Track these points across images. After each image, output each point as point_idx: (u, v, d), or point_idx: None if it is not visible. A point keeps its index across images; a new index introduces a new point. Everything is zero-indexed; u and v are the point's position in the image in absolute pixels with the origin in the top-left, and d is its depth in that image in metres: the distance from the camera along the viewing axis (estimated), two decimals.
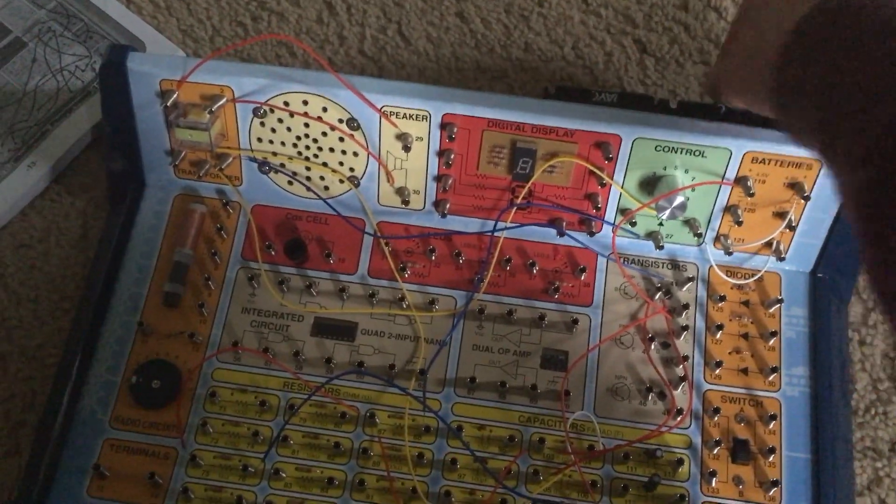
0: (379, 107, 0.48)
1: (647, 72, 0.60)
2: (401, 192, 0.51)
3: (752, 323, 0.49)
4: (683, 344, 0.49)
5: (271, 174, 0.52)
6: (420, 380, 0.48)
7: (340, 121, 0.49)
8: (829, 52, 0.33)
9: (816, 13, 0.35)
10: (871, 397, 0.50)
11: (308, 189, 0.52)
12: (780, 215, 0.48)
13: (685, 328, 0.49)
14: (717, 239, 0.50)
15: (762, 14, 0.40)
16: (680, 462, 0.46)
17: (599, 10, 0.61)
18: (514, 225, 0.51)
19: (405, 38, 0.60)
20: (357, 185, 0.51)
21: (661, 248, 0.50)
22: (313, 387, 0.48)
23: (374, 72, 0.59)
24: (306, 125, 0.49)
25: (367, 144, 0.49)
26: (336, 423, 0.47)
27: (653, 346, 0.49)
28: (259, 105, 0.48)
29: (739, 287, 0.50)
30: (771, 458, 0.46)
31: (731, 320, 0.49)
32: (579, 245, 0.51)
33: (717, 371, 0.48)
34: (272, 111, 0.49)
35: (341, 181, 0.51)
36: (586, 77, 0.59)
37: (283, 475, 0.46)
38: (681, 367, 0.48)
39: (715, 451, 0.46)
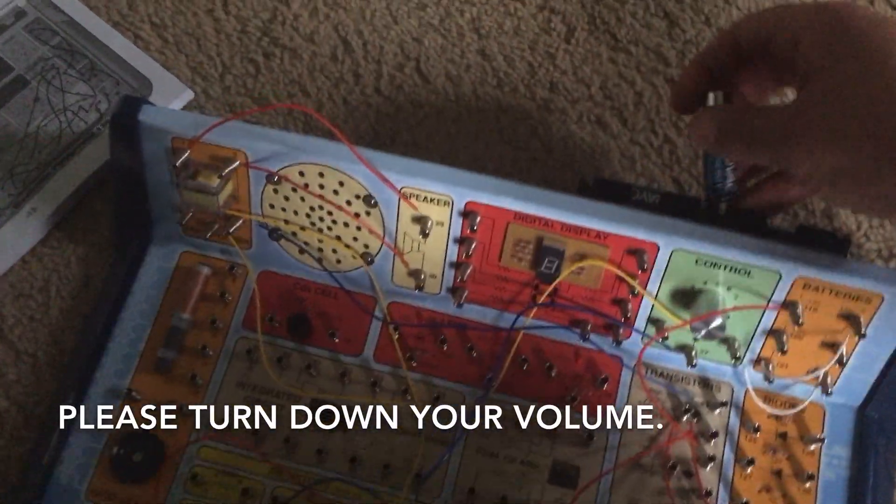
0: (399, 188, 0.44)
1: (680, 115, 0.55)
2: (416, 274, 0.47)
3: (787, 459, 0.45)
4: (709, 476, 0.44)
5: (282, 241, 0.48)
6: (415, 486, 0.44)
7: (358, 196, 0.45)
8: None
9: None
10: None
11: (319, 261, 0.48)
12: (831, 347, 0.44)
13: (712, 458, 0.44)
14: (757, 362, 0.46)
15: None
16: None
17: (629, 48, 0.57)
18: (534, 322, 0.47)
19: (423, 77, 0.57)
20: (371, 263, 0.48)
21: (694, 365, 0.46)
22: (301, 477, 0.44)
23: (391, 111, 0.56)
24: (322, 198, 0.46)
25: (384, 223, 0.46)
26: None
27: (674, 475, 0.44)
28: (272, 173, 0.45)
29: (777, 417, 0.45)
30: None
31: (764, 454, 0.45)
32: (603, 352, 0.47)
33: None
34: (285, 180, 0.45)
35: (354, 257, 0.48)
36: (615, 118, 0.55)
37: None
38: (703, 502, 0.43)
39: None
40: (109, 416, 0.46)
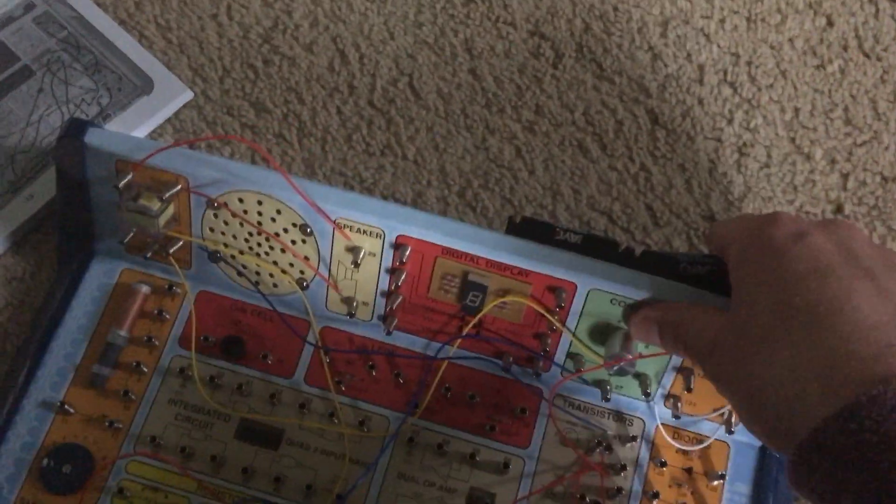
0: (333, 219, 0.46)
1: (657, 143, 0.58)
2: (348, 301, 0.49)
3: (691, 494, 0.47)
4: None
5: (221, 264, 0.50)
6: None
7: (294, 225, 0.47)
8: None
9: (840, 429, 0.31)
10: None
11: (255, 284, 0.50)
12: None
13: (619, 490, 0.47)
14: (667, 398, 0.48)
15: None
16: None
17: (613, 77, 0.59)
18: (459, 353, 0.49)
19: (416, 92, 0.59)
20: (305, 289, 0.49)
21: (608, 399, 0.48)
22: (226, 495, 0.46)
23: (383, 124, 0.58)
24: (259, 223, 0.47)
25: (319, 251, 0.48)
26: None
27: None
28: (211, 199, 0.47)
29: (684, 452, 0.48)
30: None
31: (669, 487, 0.47)
32: (524, 383, 0.49)
33: None
34: (224, 205, 0.47)
35: (290, 282, 0.49)
36: (595, 144, 0.57)
37: None
38: None
39: None
40: (42, 428, 0.47)
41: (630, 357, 0.44)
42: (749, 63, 0.60)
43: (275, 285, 0.50)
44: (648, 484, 0.47)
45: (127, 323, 0.50)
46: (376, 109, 0.58)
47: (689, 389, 0.46)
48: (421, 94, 0.59)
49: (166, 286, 0.51)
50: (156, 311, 0.50)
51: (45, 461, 0.46)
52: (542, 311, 0.46)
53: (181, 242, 0.49)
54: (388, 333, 0.49)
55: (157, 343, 0.50)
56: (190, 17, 0.61)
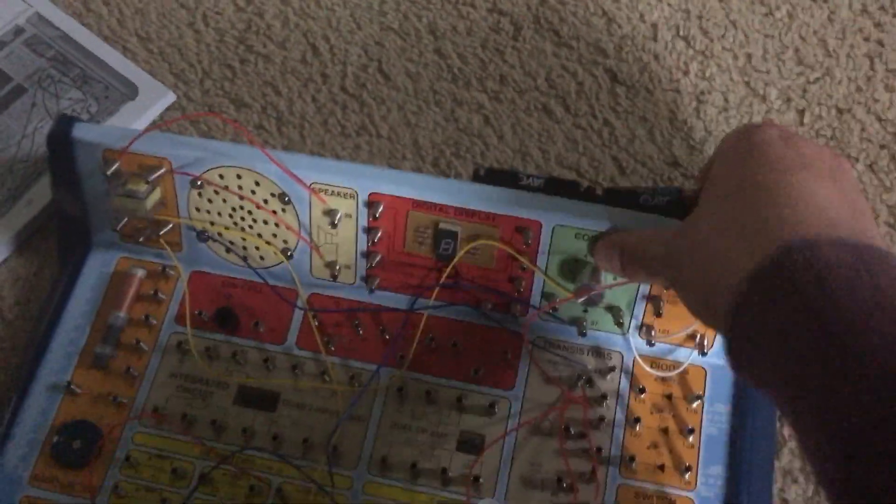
0: (308, 183, 0.49)
1: (618, 99, 0.60)
2: (331, 266, 0.52)
3: (672, 417, 0.49)
4: (600, 435, 0.48)
5: (209, 242, 0.53)
6: (332, 456, 0.48)
7: (273, 195, 0.50)
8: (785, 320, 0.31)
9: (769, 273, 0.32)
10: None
11: (243, 258, 0.53)
12: None
13: (602, 419, 0.48)
14: (640, 328, 0.50)
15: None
16: None
17: (571, 43, 0.63)
18: (438, 303, 0.51)
19: (385, 75, 0.62)
20: (290, 258, 0.52)
21: (584, 334, 0.50)
22: (228, 457, 0.48)
23: (356, 107, 0.61)
24: (241, 197, 0.50)
25: (298, 218, 0.50)
26: (246, 495, 0.47)
27: (570, 437, 0.48)
28: (194, 177, 0.50)
29: (663, 379, 0.49)
30: None
31: (651, 413, 0.49)
32: (504, 327, 0.51)
33: (633, 466, 0.47)
34: (208, 183, 0.50)
35: (275, 253, 0.52)
36: (559, 106, 0.60)
37: None
38: (595, 459, 0.47)
39: None
40: (51, 409, 0.50)
41: (597, 287, 0.46)
42: (700, 17, 0.62)
43: (261, 258, 0.53)
44: (630, 411, 0.49)
45: (125, 305, 0.53)
46: (349, 94, 0.62)
47: (658, 315, 0.48)
48: (390, 76, 0.62)
49: (160, 269, 0.54)
50: (152, 293, 0.53)
51: (56, 438, 0.49)
52: (512, 252, 0.48)
53: (171, 225, 0.52)
54: (371, 292, 0.52)
55: (154, 322, 0.52)
56: (168, 27, 0.65)
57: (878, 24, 0.62)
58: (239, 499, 0.47)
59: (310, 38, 0.64)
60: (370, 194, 0.48)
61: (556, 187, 0.48)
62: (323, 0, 0.65)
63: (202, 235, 0.52)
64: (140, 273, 0.54)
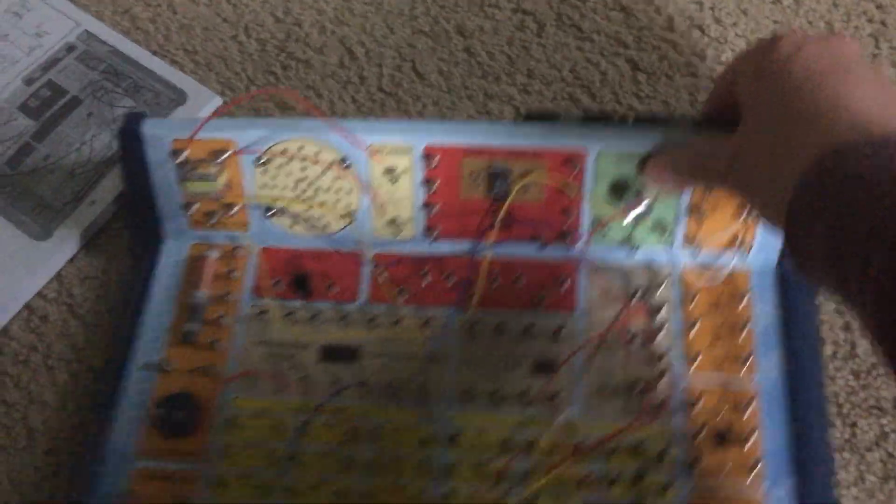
0: (366, 145, 0.53)
1: (640, 86, 0.65)
2: (392, 222, 0.56)
3: (725, 317, 0.53)
4: (662, 340, 0.52)
5: (275, 218, 0.57)
6: (420, 394, 0.52)
7: (333, 161, 0.54)
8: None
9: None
10: (872, 360, 0.53)
11: (310, 228, 0.57)
12: (742, 209, 0.52)
13: (661, 327, 0.52)
14: (686, 240, 0.54)
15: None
16: (665, 452, 0.49)
17: (592, 37, 0.68)
18: (497, 244, 0.55)
19: (419, 74, 0.67)
20: (353, 221, 0.56)
21: (635, 249, 0.54)
22: (321, 408, 0.52)
23: (393, 105, 0.66)
24: (303, 169, 0.54)
25: (360, 179, 0.54)
26: (344, 440, 0.51)
27: (634, 345, 0.52)
28: (259, 154, 0.54)
29: (711, 285, 0.54)
30: (752, 440, 0.49)
31: (705, 316, 0.53)
32: (560, 257, 0.55)
33: (696, 364, 0.51)
34: (271, 160, 0.54)
35: (341, 216, 0.56)
36: (584, 95, 0.65)
37: (300, 489, 0.49)
38: (661, 362, 0.51)
39: (697, 440, 0.49)
40: (148, 387, 0.53)
41: (642, 204, 0.51)
42: (712, 8, 0.69)
43: (325, 226, 0.57)
44: (686, 315, 0.53)
45: (204, 284, 0.56)
46: (386, 94, 0.67)
47: (700, 224, 0.52)
48: (424, 75, 0.67)
49: (231, 249, 0.58)
50: (227, 272, 0.57)
51: (158, 411, 0.52)
52: (561, 182, 0.52)
53: (239, 206, 0.56)
54: (433, 242, 0.56)
55: (233, 298, 0.56)
56: (213, 40, 0.69)
57: (879, 6, 0.68)
58: (337, 442, 0.51)
59: (346, 44, 0.69)
60: (426, 147, 0.53)
61: (593, 120, 0.53)
62: (357, 8, 0.70)
63: (268, 212, 0.56)
64: (214, 254, 0.57)
